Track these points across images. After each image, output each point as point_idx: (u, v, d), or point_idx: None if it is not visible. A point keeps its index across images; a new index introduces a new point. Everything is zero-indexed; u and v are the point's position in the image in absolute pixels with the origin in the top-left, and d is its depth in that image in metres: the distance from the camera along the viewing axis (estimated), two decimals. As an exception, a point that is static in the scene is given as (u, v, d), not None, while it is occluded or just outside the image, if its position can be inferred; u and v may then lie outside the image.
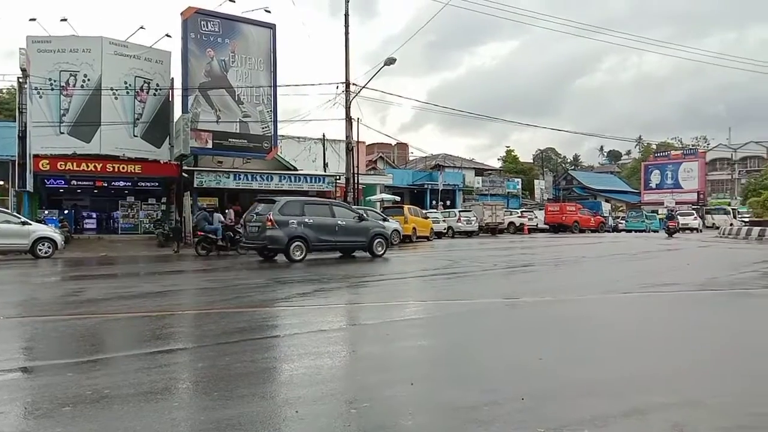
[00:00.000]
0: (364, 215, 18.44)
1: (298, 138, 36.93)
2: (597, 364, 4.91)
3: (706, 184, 71.77)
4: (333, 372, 4.69)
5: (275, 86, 27.58)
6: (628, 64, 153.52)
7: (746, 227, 27.88)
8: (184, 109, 25.47)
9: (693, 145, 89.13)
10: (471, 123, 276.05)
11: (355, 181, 28.67)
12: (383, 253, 17.58)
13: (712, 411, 3.65)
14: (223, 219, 20.40)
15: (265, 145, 27.39)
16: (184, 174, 25.53)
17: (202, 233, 19.41)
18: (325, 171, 32.32)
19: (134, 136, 26.61)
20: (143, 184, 28.18)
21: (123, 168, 25.99)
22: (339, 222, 16.83)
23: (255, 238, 16.33)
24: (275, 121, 27.75)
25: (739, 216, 49.45)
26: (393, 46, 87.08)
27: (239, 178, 26.47)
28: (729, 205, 60.46)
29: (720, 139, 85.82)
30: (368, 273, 13.42)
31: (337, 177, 29.57)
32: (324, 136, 35.35)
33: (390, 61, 24.55)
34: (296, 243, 15.83)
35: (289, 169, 29.73)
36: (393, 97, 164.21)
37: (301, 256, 15.84)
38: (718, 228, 40.29)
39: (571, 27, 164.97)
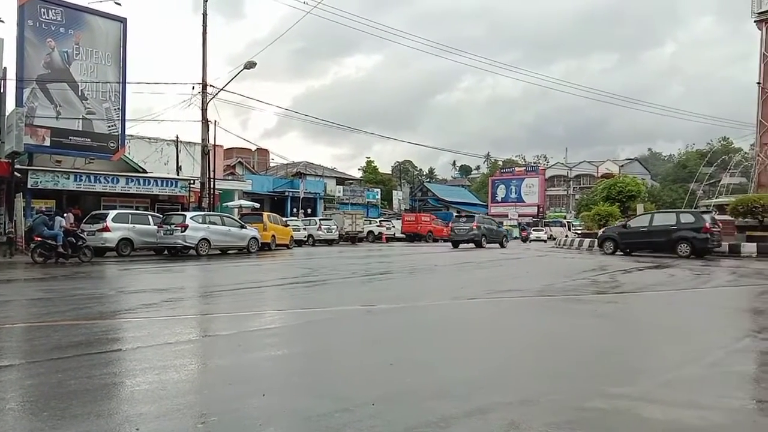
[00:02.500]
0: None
1: (150, 139, 34.87)
2: (445, 367, 5.12)
3: (546, 199, 78.43)
4: (179, 386, 4.44)
5: (124, 83, 25.88)
6: (483, 84, 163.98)
7: (579, 239, 30.75)
8: (19, 103, 23.05)
9: (535, 163, 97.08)
10: (334, 132, 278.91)
11: (211, 186, 27.64)
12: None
13: (544, 408, 3.94)
14: (64, 223, 18.61)
15: (111, 144, 25.57)
16: (16, 173, 23.03)
17: (40, 238, 17.57)
18: (178, 174, 30.81)
19: (-44, 129, 23.61)
20: (-35, 183, 25.03)
21: (-59, 165, 22.92)
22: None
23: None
24: (123, 120, 26.02)
25: (573, 228, 54.50)
26: (259, 50, 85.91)
27: (80, 180, 24.44)
28: (564, 218, 66.50)
29: (558, 158, 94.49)
30: (223, 282, 12.98)
31: (192, 181, 28.32)
32: (178, 137, 33.73)
33: (250, 65, 24.07)
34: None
35: (138, 172, 27.95)
36: (256, 101, 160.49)
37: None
38: (555, 239, 44.08)
39: (430, 46, 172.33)
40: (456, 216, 40.64)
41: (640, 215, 24.71)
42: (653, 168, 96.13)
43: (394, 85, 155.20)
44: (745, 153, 37.21)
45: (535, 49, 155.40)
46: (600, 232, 25.58)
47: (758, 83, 28.73)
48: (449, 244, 32.22)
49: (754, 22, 28.70)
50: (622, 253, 23.17)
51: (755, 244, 20.80)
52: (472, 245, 29.76)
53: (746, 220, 20.54)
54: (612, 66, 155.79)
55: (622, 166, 79.78)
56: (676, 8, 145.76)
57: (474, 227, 29.56)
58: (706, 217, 21.11)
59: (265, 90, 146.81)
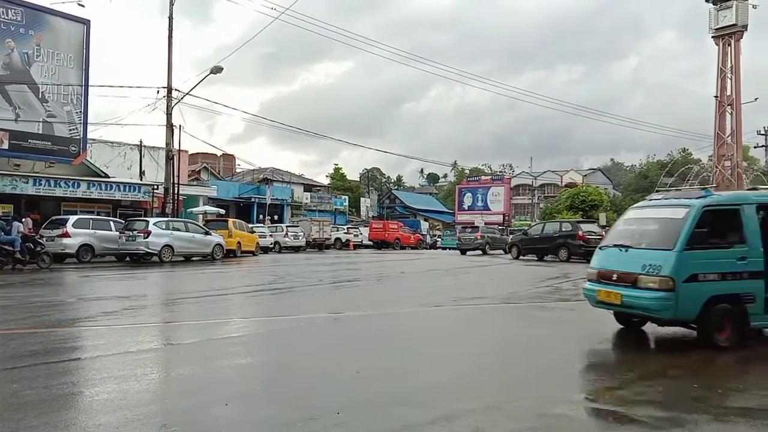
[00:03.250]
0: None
1: (113, 143, 34.11)
2: (410, 375, 5.13)
3: (511, 207, 79.42)
4: (140, 396, 4.35)
5: (87, 86, 25.29)
6: (452, 93, 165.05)
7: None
8: (-25, 104, 22.33)
9: (500, 172, 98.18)
10: (303, 138, 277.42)
11: (175, 192, 27.19)
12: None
13: (508, 415, 3.98)
14: (22, 228, 18.01)
15: (73, 148, 24.94)
16: (-29, 177, 22.28)
17: None
18: (141, 179, 30.21)
19: None
20: None
21: None
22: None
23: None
24: (85, 123, 25.40)
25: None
26: (227, 54, 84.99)
27: (40, 184, 23.71)
28: (529, 226, 67.39)
29: (523, 167, 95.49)
30: (186, 290, 12.77)
31: (155, 187, 27.81)
32: (141, 142, 33.11)
33: (216, 70, 23.83)
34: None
35: (100, 176, 27.33)
36: (223, 106, 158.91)
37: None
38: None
39: (400, 55, 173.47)
40: (462, 227, 43.79)
41: (535, 224, 27.05)
42: (615, 178, 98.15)
43: (363, 92, 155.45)
44: (704, 164, 38.30)
45: (505, 60, 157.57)
46: (509, 239, 28.45)
47: (715, 97, 29.67)
48: (417, 251, 32.51)
49: (712, 37, 29.67)
50: (524, 257, 25.25)
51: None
52: (479, 252, 31.65)
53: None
54: (578, 77, 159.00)
55: (585, 175, 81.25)
56: (641, 23, 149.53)
57: (479, 236, 32.07)
58: (583, 226, 24.04)
59: (234, 95, 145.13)
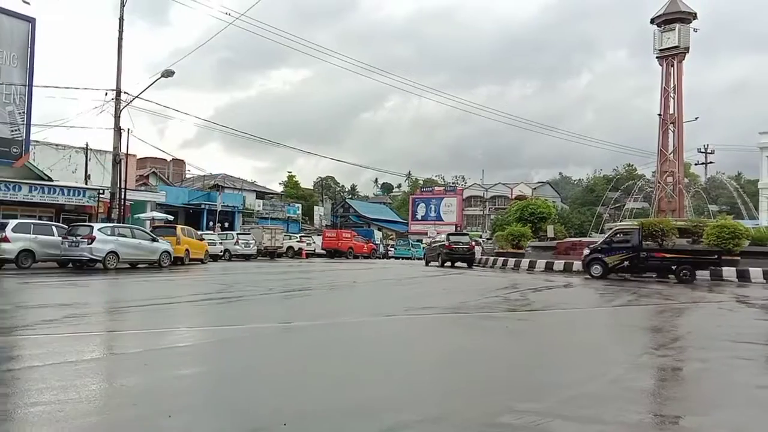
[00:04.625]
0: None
1: (57, 145, 33.00)
2: (359, 385, 5.12)
3: (463, 218, 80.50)
4: (79, 408, 4.19)
5: (31, 85, 24.47)
6: (408, 104, 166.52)
7: (493, 257, 31.72)
8: None
9: (453, 183, 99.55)
10: (257, 145, 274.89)
11: (122, 197, 26.47)
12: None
13: (455, 425, 4.01)
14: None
15: (14, 150, 24.06)
16: None
17: None
18: (86, 184, 29.28)
19: None
20: None
21: None
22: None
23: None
24: (28, 124, 24.56)
25: (484, 247, 56.15)
26: (183, 58, 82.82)
27: (-23, 186, 22.73)
28: (480, 237, 68.36)
29: (475, 179, 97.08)
30: (131, 298, 12.41)
31: (101, 191, 27.01)
32: (87, 145, 32.13)
33: (168, 73, 23.38)
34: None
35: (43, 179, 26.37)
36: (174, 110, 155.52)
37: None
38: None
39: (357, 66, 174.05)
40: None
41: (455, 235, 32.51)
42: (563, 191, 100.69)
43: (320, 101, 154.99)
44: (648, 180, 39.67)
45: (461, 73, 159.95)
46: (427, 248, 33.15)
47: (659, 115, 30.83)
48: (370, 261, 32.47)
49: (656, 58, 30.88)
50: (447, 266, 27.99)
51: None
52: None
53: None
54: (532, 92, 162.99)
55: (534, 188, 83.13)
56: (594, 41, 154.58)
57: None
58: (476, 239, 30.52)
59: (189, 99, 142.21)
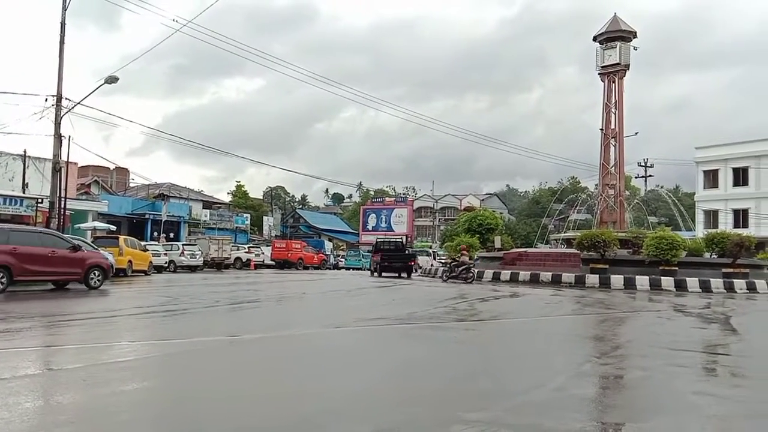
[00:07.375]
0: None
1: (-8, 152, 31.57)
2: (308, 398, 5.06)
3: (414, 229, 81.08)
4: (11, 427, 3.99)
5: (-36, 89, 23.29)
6: (363, 116, 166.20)
7: (442, 268, 31.98)
8: None
9: (404, 194, 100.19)
10: (206, 154, 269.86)
11: (62, 206, 25.50)
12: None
13: (403, 435, 4.02)
14: None
15: (-56, 156, 22.83)
16: None
17: None
18: (24, 192, 28.07)
19: None
20: None
21: None
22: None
23: None
24: (-39, 130, 23.37)
25: (438, 258, 56.65)
26: (134, 64, 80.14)
27: None
28: (430, 248, 68.90)
29: (426, 190, 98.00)
30: (71, 311, 11.94)
31: (40, 200, 25.95)
32: (26, 152, 30.86)
33: (111, 80, 22.74)
34: None
35: (-24, 188, 25.14)
36: (118, 117, 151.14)
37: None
38: (421, 267, 45.57)
39: (312, 77, 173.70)
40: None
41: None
42: (510, 203, 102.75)
43: (274, 110, 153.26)
44: (591, 192, 40.97)
45: (417, 87, 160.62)
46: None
47: (601, 129, 31.92)
48: (321, 271, 32.32)
49: (598, 74, 32.01)
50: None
51: (597, 275, 22.88)
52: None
53: (590, 253, 22.49)
54: (485, 107, 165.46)
55: (482, 200, 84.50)
56: (545, 57, 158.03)
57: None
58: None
59: (137, 106, 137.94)
